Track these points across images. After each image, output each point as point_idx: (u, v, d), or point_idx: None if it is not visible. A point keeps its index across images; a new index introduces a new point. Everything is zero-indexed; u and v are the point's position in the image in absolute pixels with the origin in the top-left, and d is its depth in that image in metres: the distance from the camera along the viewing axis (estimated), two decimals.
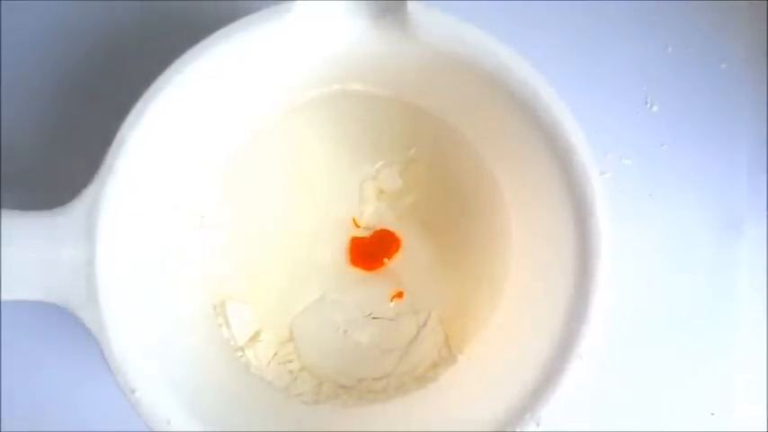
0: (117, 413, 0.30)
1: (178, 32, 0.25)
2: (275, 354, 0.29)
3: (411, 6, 0.24)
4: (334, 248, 0.30)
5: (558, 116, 0.24)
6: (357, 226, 0.30)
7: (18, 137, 0.30)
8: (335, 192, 0.30)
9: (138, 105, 0.23)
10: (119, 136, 0.23)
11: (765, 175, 0.32)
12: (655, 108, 0.32)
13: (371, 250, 0.30)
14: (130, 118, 0.23)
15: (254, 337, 0.29)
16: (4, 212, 0.23)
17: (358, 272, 0.30)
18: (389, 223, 0.30)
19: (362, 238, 0.30)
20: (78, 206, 0.23)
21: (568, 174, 0.24)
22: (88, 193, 0.23)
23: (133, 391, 0.23)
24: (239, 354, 0.29)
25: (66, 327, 0.30)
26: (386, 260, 0.30)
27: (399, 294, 0.30)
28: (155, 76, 0.24)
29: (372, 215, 0.30)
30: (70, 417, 0.30)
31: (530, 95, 0.24)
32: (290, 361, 0.29)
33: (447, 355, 0.29)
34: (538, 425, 0.23)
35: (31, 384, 0.30)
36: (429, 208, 0.30)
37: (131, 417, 0.23)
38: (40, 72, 0.30)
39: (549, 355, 0.24)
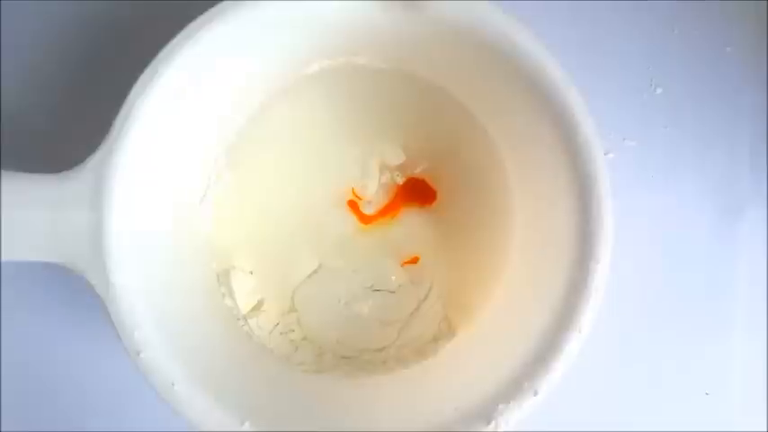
0: (120, 383, 0.30)
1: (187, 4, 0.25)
2: (277, 324, 0.30)
3: None
4: (338, 221, 0.30)
5: (564, 94, 0.24)
6: (358, 197, 0.30)
7: (25, 103, 0.30)
8: (339, 164, 0.30)
9: (147, 72, 0.24)
10: (127, 102, 0.24)
11: (766, 157, 0.32)
12: (659, 90, 0.32)
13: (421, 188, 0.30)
14: (139, 85, 0.24)
15: (257, 307, 0.30)
16: (6, 174, 0.24)
17: (361, 243, 0.30)
18: (390, 196, 0.30)
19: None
20: (87, 170, 0.24)
21: (572, 149, 0.24)
22: (96, 158, 0.24)
23: (138, 353, 0.23)
24: (242, 323, 0.29)
25: (69, 296, 0.30)
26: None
27: (414, 260, 0.30)
28: (164, 45, 0.24)
29: (375, 189, 0.30)
30: (72, 386, 0.31)
31: (537, 71, 0.24)
32: (292, 331, 0.30)
33: (447, 328, 0.30)
34: (536, 394, 0.24)
35: (34, 354, 0.31)
36: (432, 182, 0.30)
37: (135, 389, 0.24)
38: (48, 36, 0.31)
39: (548, 328, 0.24)
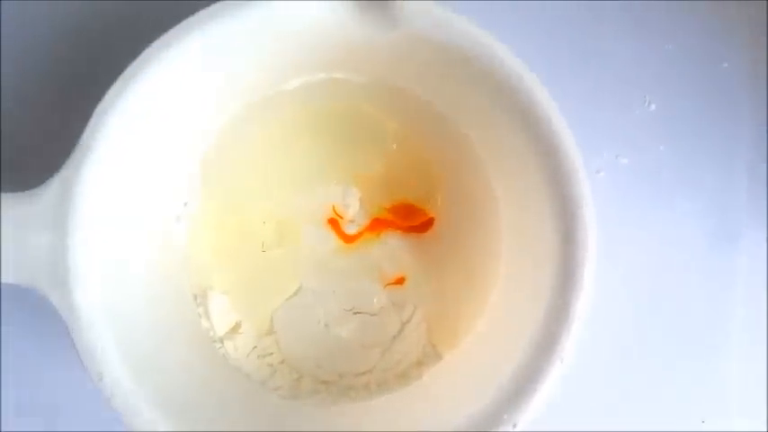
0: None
1: (167, 17, 0.25)
2: (255, 346, 0.29)
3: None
4: (318, 240, 0.29)
5: (545, 112, 0.24)
6: (339, 216, 0.29)
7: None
8: (320, 182, 0.29)
9: (115, 87, 0.23)
10: (94, 118, 0.23)
11: (765, 178, 0.31)
12: (653, 107, 0.31)
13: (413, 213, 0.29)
14: (106, 100, 0.23)
15: (234, 329, 0.29)
16: None
17: (342, 263, 0.29)
18: (374, 215, 0.29)
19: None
20: (51, 189, 0.23)
21: (555, 172, 0.24)
22: (61, 176, 0.23)
23: (101, 377, 0.23)
24: (218, 345, 0.28)
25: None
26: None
27: (399, 281, 0.29)
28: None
29: (357, 208, 0.29)
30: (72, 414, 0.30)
31: (514, 86, 0.24)
32: (270, 354, 0.29)
33: (431, 352, 0.29)
34: (515, 426, 0.23)
35: (32, 380, 0.30)
36: (417, 201, 0.29)
37: None
38: (26, 57, 0.30)
39: (528, 357, 0.23)
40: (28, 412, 0.30)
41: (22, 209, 0.23)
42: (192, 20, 0.23)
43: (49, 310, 0.27)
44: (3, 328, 0.29)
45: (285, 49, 0.26)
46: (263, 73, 0.27)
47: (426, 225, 0.29)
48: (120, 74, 0.23)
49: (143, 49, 0.23)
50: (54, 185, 0.23)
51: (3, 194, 0.23)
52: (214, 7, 0.24)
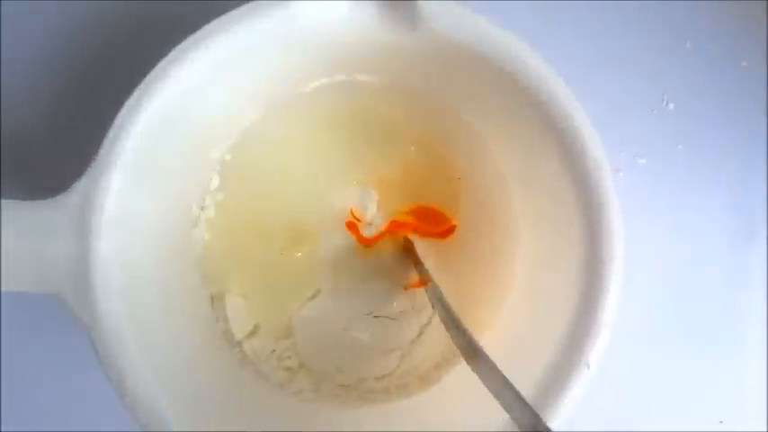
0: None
1: (182, 21, 0.24)
2: (274, 350, 0.29)
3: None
4: (336, 243, 0.29)
5: (569, 111, 0.24)
6: (358, 220, 0.29)
7: (18, 125, 0.29)
8: (337, 184, 0.29)
9: (135, 95, 0.23)
10: (114, 126, 0.23)
11: None
12: (671, 106, 0.31)
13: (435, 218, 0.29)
14: (126, 108, 0.23)
15: (253, 332, 0.28)
16: None
17: (361, 267, 0.29)
18: (392, 218, 0.29)
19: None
20: (72, 196, 0.23)
21: (579, 175, 0.23)
22: (82, 184, 0.23)
23: (123, 386, 0.22)
24: (236, 349, 0.28)
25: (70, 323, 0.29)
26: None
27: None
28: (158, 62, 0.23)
29: (375, 210, 0.29)
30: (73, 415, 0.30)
31: (540, 89, 0.23)
32: (289, 357, 0.29)
33: (450, 355, 0.29)
34: None
35: (33, 381, 0.30)
36: (436, 205, 0.29)
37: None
38: (41, 62, 0.30)
39: (554, 363, 0.23)
40: (27, 412, 0.29)
41: (43, 216, 0.22)
42: (210, 26, 0.23)
43: (49, 310, 0.27)
44: (3, 328, 0.29)
45: (306, 51, 0.25)
46: (284, 75, 0.27)
47: (448, 232, 0.29)
48: (131, 78, 0.23)
49: (151, 52, 0.23)
50: (75, 194, 0.23)
51: (22, 202, 0.23)
52: (232, 13, 0.23)
